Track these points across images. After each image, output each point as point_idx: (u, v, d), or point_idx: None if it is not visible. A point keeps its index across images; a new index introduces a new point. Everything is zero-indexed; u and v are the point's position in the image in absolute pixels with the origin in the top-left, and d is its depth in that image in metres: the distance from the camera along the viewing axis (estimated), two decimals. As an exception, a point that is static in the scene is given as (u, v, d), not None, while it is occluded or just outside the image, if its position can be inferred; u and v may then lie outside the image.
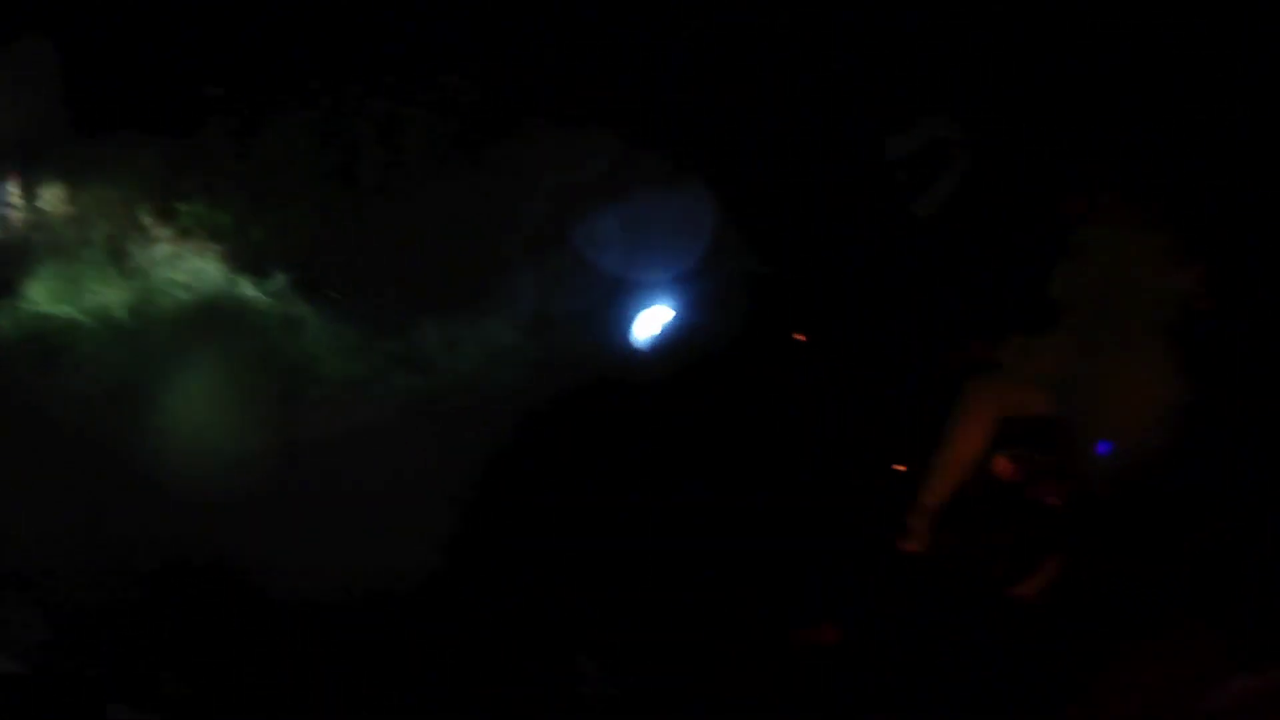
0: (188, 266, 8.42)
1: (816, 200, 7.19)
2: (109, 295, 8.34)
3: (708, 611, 5.92)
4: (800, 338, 6.84)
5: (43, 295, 8.34)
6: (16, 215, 9.36)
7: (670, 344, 7.00)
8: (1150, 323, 5.88)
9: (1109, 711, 5.11)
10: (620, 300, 7.29)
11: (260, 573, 6.18)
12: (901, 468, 6.26)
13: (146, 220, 8.85)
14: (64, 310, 8.24)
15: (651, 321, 6.98)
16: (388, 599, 6.06)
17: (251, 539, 6.39)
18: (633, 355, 7.04)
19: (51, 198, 9.25)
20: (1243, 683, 5.04)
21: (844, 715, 5.45)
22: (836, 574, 6.11)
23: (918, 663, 5.66)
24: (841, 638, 5.82)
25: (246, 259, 8.40)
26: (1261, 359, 6.15)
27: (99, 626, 6.11)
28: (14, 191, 9.36)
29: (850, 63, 7.43)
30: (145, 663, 5.82)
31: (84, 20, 9.02)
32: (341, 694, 5.60)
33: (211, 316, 7.94)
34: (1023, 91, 6.95)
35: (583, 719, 5.57)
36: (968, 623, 5.87)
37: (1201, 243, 6.08)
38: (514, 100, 8.45)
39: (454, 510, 6.56)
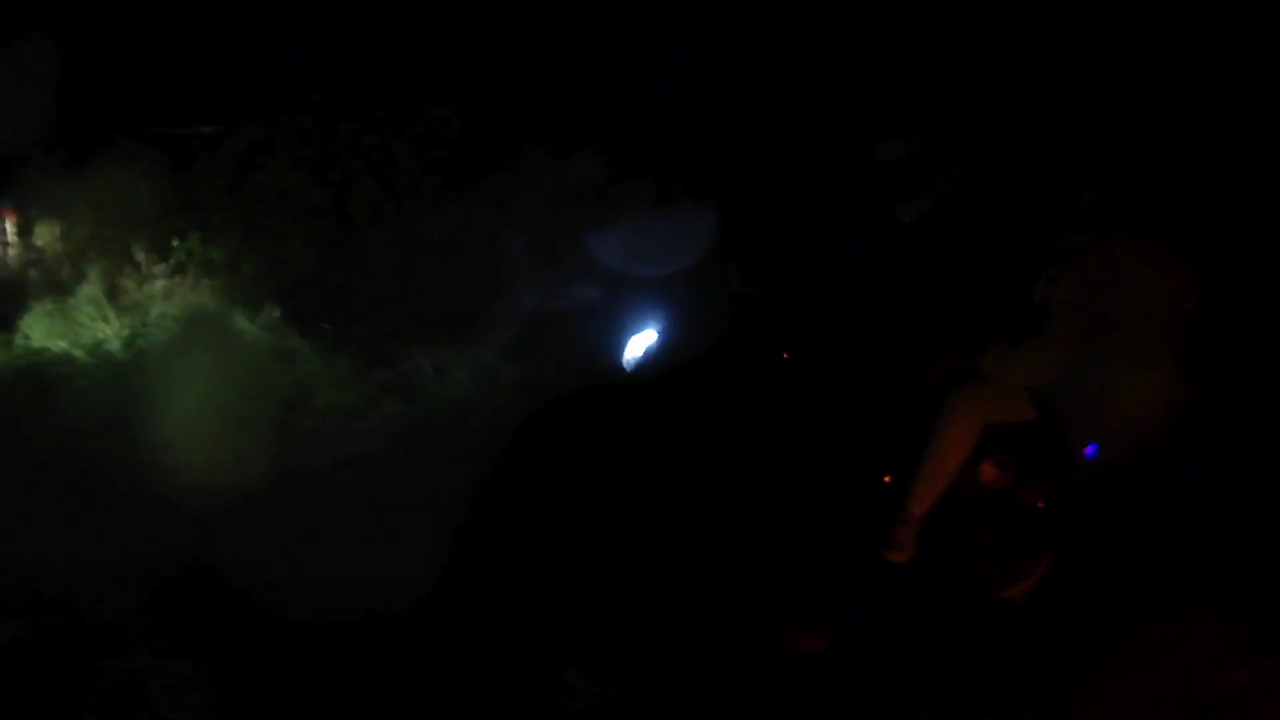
0: (182, 301, 8.51)
1: (799, 212, 7.28)
2: (104, 330, 8.42)
3: (698, 624, 5.93)
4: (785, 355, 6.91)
5: (39, 331, 8.42)
6: (13, 253, 9.49)
7: (657, 364, 7.07)
8: (1138, 326, 5.89)
9: (1106, 707, 5.13)
10: (609, 323, 7.36)
11: (256, 599, 6.20)
12: (888, 478, 6.29)
13: (141, 256, 8.96)
14: (59, 345, 8.32)
15: (639, 343, 7.05)
16: (381, 623, 6.08)
17: (248, 567, 6.42)
18: (622, 378, 7.10)
19: (47, 235, 9.38)
20: (1238, 673, 5.05)
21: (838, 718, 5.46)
22: (827, 581, 6.13)
23: (912, 667, 5.68)
24: (831, 644, 5.83)
25: (240, 293, 8.50)
26: (1258, 357, 6.21)
27: (96, 650, 6.12)
28: (9, 230, 9.49)
29: (836, 71, 7.58)
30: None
31: (76, 62, 9.15)
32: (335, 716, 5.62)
33: (205, 350, 7.97)
34: (1006, 94, 7.07)
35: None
36: (961, 626, 5.89)
37: (1189, 243, 6.13)
38: (500, 129, 8.58)
39: (447, 534, 6.58)
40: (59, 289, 8.78)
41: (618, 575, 6.17)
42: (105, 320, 8.46)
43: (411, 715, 5.55)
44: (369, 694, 5.60)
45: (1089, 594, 5.79)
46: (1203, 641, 5.15)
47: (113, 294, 8.69)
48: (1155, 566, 5.69)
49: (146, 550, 6.50)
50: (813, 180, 7.51)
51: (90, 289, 8.62)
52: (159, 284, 8.77)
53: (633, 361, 7.09)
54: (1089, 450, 5.85)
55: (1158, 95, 6.88)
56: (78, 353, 8.28)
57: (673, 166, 8.14)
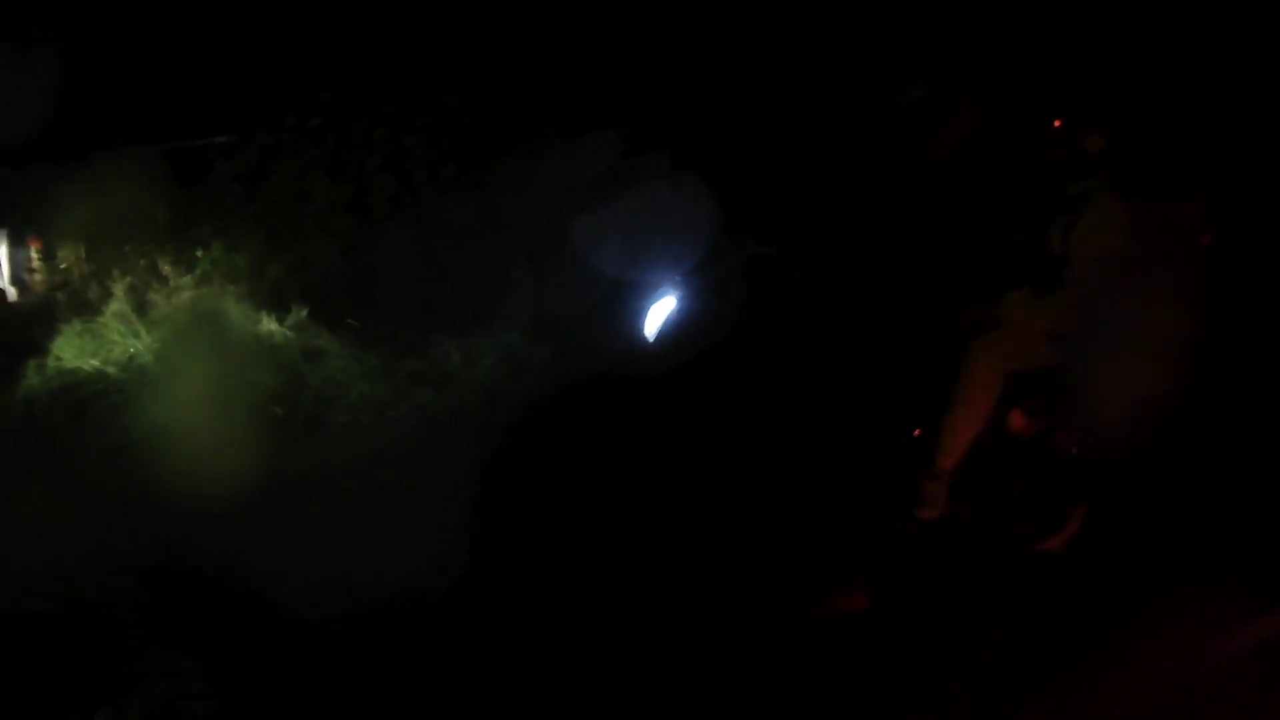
0: (209, 309, 8.54)
1: (811, 167, 7.23)
2: (135, 345, 8.47)
3: (736, 598, 5.90)
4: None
5: (70, 352, 8.47)
6: (39, 278, 9.57)
7: (679, 333, 7.03)
8: (1159, 269, 5.84)
9: (1135, 662, 5.09)
10: (629, 297, 7.34)
11: (297, 596, 6.23)
12: (918, 432, 6.23)
13: (166, 269, 9.01)
14: (91, 364, 8.36)
15: (659, 313, 7.02)
16: (420, 611, 6.10)
17: (288, 567, 6.45)
18: (645, 348, 7.07)
19: (71, 257, 9.44)
20: (1259, 626, 5.03)
21: (875, 683, 5.42)
22: (862, 544, 6.09)
23: (949, 625, 5.63)
24: (871, 604, 5.79)
25: (266, 296, 8.53)
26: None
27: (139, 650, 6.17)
28: (34, 256, 9.57)
29: (834, 36, 7.53)
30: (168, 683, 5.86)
31: (89, 82, 9.19)
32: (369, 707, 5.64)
33: (236, 355, 8.02)
34: (1010, 42, 7.00)
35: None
36: (996, 581, 5.83)
37: (1202, 181, 6.06)
38: (513, 114, 8.58)
39: (483, 517, 6.59)
40: (87, 309, 8.84)
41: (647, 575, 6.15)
42: (136, 335, 8.49)
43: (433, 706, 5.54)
44: (390, 689, 5.61)
45: (1119, 547, 5.73)
46: (1209, 606, 5.11)
47: (141, 309, 8.74)
48: (1182, 518, 5.63)
49: (191, 556, 6.55)
50: (830, 132, 7.47)
51: (118, 305, 8.68)
52: (186, 295, 8.82)
53: (655, 330, 7.06)
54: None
55: (1166, 40, 6.81)
56: (110, 369, 8.33)
57: (687, 135, 8.10)
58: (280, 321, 8.25)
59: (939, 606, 5.66)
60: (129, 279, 9.00)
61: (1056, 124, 6.07)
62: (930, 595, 5.76)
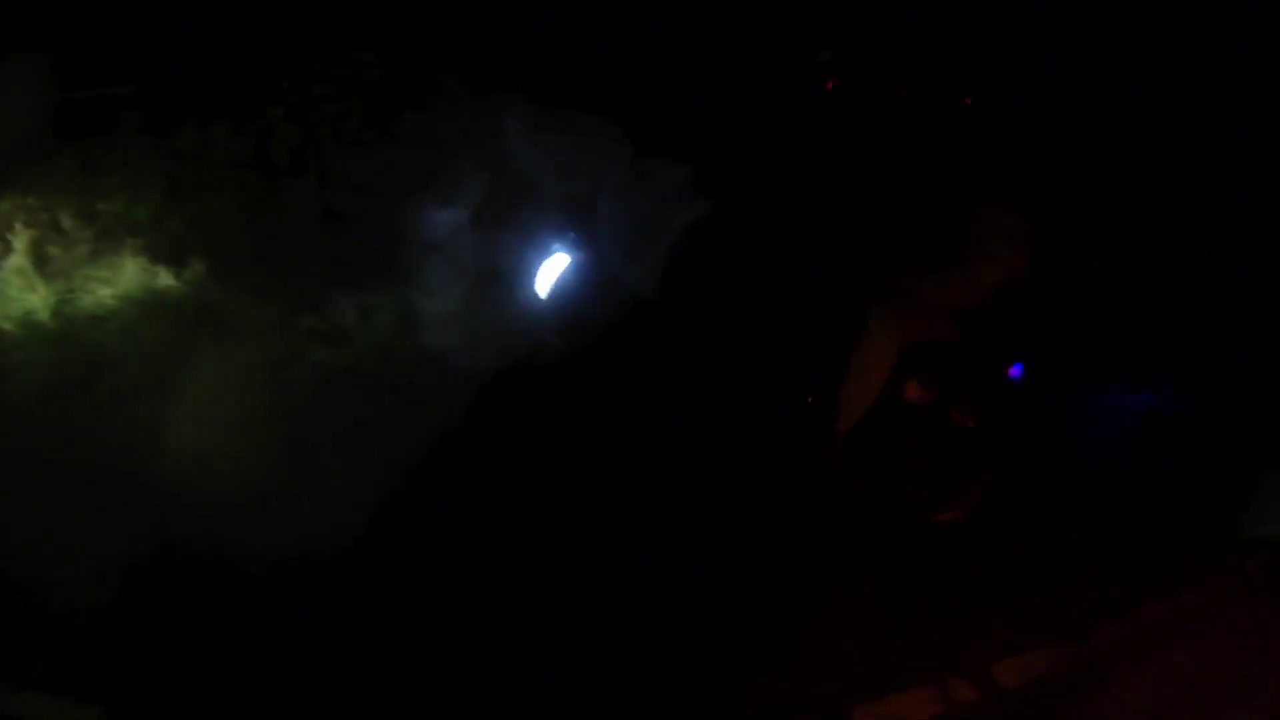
0: (108, 264, 8.39)
1: (719, 136, 7.13)
2: (32, 300, 8.30)
3: (635, 566, 5.85)
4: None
5: (-36, 307, 8.31)
6: (-64, 232, 9.37)
7: (576, 292, 6.98)
8: (1058, 251, 5.83)
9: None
10: (529, 257, 7.28)
11: (197, 551, 6.17)
12: (810, 399, 6.17)
13: (66, 222, 8.82)
14: (-14, 319, 8.22)
15: (552, 271, 6.97)
16: (320, 569, 6.04)
17: (187, 522, 6.39)
18: (543, 308, 7.01)
19: (-33, 210, 9.26)
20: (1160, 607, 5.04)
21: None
22: (759, 512, 6.03)
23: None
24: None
25: (165, 251, 8.37)
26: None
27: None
28: (-68, 208, 9.37)
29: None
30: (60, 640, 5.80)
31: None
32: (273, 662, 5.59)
33: (132, 310, 7.89)
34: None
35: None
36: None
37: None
38: (422, 72, 8.44)
39: (381, 477, 6.53)
40: (-16, 263, 8.67)
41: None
42: (33, 290, 8.32)
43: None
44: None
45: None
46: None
47: (40, 263, 8.55)
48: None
49: (88, 517, 6.48)
50: (744, 96, 7.37)
51: (17, 260, 8.49)
52: (85, 249, 8.63)
53: (549, 288, 7.00)
54: (1015, 370, 5.77)
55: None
56: (6, 325, 8.16)
57: (605, 95, 7.97)
58: (178, 276, 8.08)
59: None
60: (31, 232, 8.81)
61: (967, 102, 6.02)
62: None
